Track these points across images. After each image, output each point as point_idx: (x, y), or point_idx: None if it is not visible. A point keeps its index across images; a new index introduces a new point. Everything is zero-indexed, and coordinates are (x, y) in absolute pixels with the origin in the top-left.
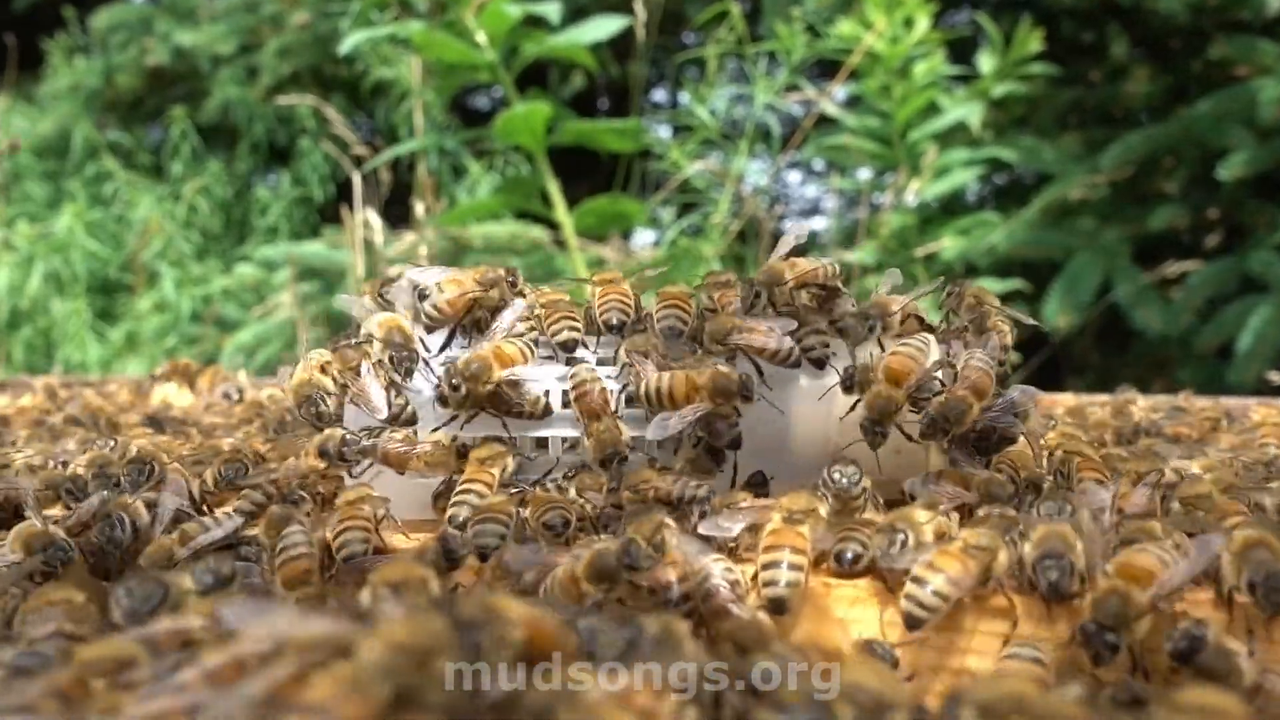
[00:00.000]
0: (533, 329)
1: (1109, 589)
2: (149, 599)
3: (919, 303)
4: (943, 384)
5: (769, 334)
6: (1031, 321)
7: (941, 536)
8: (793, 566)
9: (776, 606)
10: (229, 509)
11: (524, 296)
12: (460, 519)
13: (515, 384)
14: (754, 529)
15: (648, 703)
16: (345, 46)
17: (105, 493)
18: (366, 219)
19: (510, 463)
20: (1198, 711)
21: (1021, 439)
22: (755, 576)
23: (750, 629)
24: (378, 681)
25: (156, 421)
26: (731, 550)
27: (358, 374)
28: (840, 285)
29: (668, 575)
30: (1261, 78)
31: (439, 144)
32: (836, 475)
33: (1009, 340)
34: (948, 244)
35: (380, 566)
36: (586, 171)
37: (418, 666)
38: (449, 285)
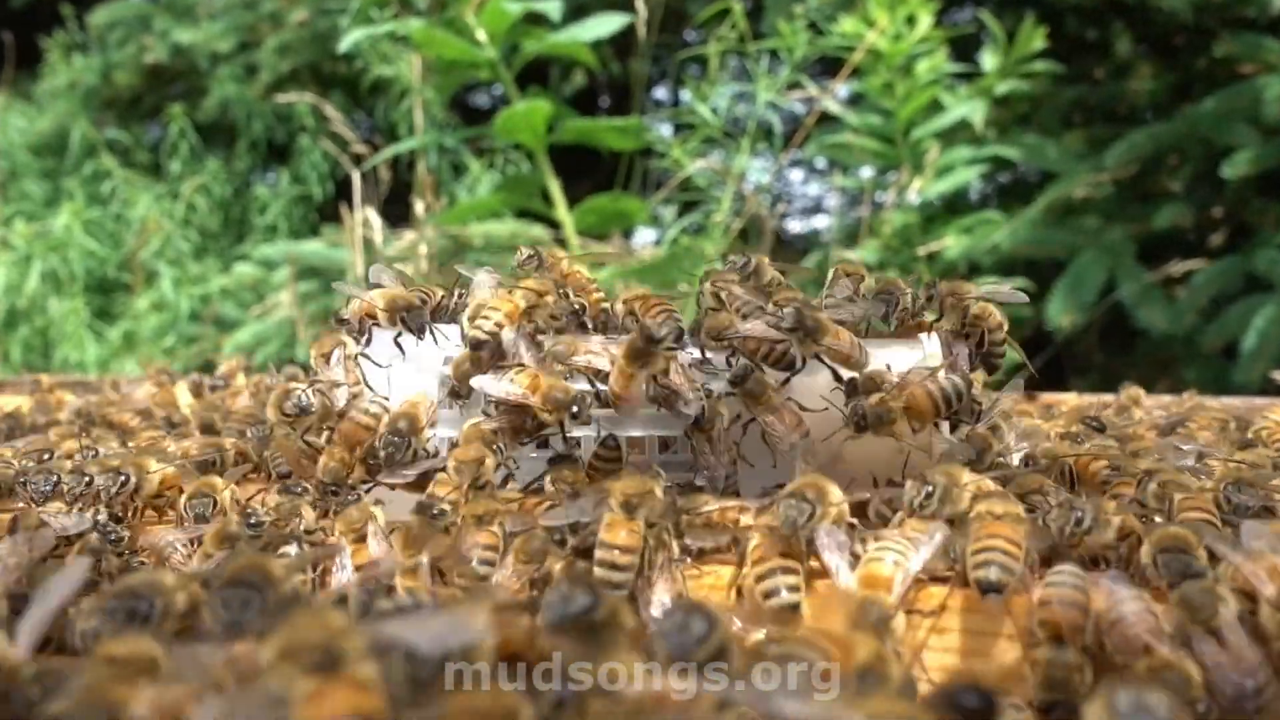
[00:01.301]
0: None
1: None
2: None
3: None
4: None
5: (766, 330)
6: (1015, 295)
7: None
8: (786, 571)
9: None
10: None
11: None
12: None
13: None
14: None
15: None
16: (344, 44)
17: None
18: (366, 217)
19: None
20: None
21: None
22: (744, 588)
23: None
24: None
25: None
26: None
27: None
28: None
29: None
30: (1266, 75)
31: (439, 142)
32: (784, 509)
33: (997, 319)
34: (950, 243)
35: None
36: (587, 170)
37: None
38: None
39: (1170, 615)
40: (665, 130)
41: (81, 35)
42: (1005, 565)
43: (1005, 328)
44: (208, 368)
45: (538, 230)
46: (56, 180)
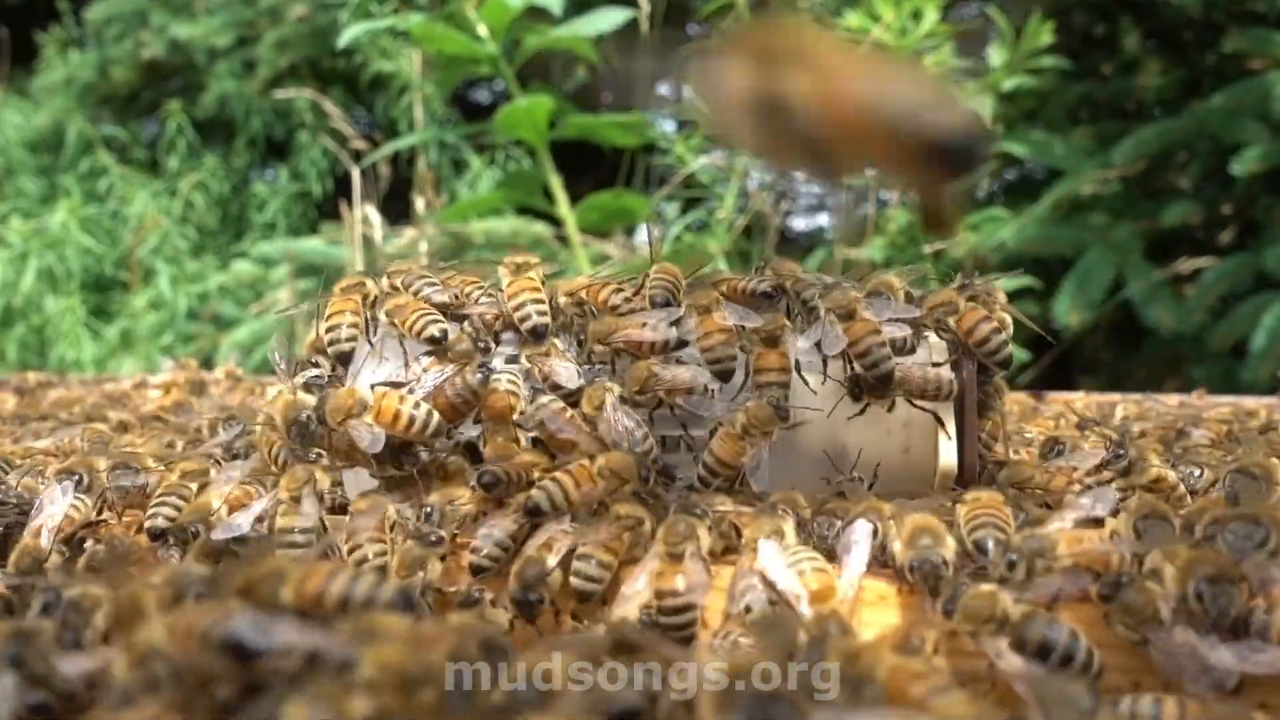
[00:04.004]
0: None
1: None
2: None
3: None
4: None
5: (645, 329)
6: (988, 286)
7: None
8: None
9: None
10: None
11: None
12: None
13: None
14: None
15: None
16: (344, 39)
17: None
18: (365, 214)
19: None
20: None
21: None
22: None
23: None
24: None
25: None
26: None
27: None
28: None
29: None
30: (1276, 71)
31: (439, 138)
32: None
33: (981, 334)
34: (956, 240)
35: None
36: (590, 166)
37: None
38: None
39: None
40: (668, 126)
41: (78, 30)
42: (999, 525)
43: (994, 340)
44: (206, 366)
45: (539, 227)
46: (53, 177)
